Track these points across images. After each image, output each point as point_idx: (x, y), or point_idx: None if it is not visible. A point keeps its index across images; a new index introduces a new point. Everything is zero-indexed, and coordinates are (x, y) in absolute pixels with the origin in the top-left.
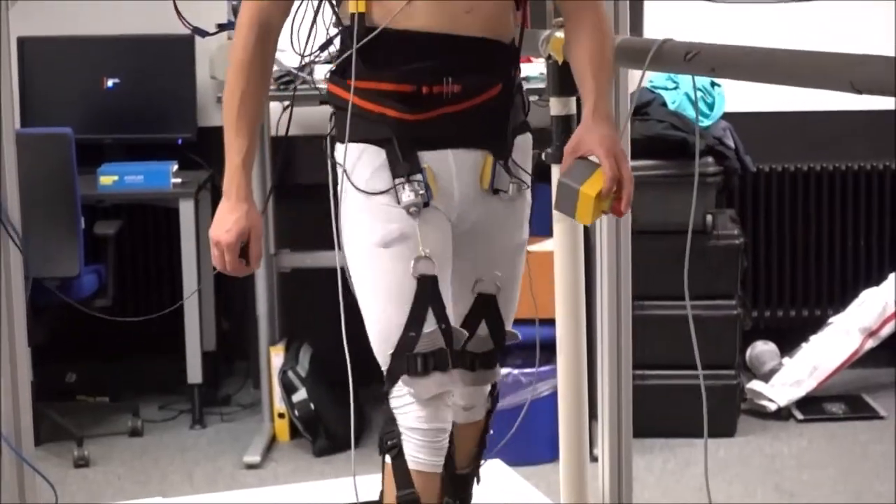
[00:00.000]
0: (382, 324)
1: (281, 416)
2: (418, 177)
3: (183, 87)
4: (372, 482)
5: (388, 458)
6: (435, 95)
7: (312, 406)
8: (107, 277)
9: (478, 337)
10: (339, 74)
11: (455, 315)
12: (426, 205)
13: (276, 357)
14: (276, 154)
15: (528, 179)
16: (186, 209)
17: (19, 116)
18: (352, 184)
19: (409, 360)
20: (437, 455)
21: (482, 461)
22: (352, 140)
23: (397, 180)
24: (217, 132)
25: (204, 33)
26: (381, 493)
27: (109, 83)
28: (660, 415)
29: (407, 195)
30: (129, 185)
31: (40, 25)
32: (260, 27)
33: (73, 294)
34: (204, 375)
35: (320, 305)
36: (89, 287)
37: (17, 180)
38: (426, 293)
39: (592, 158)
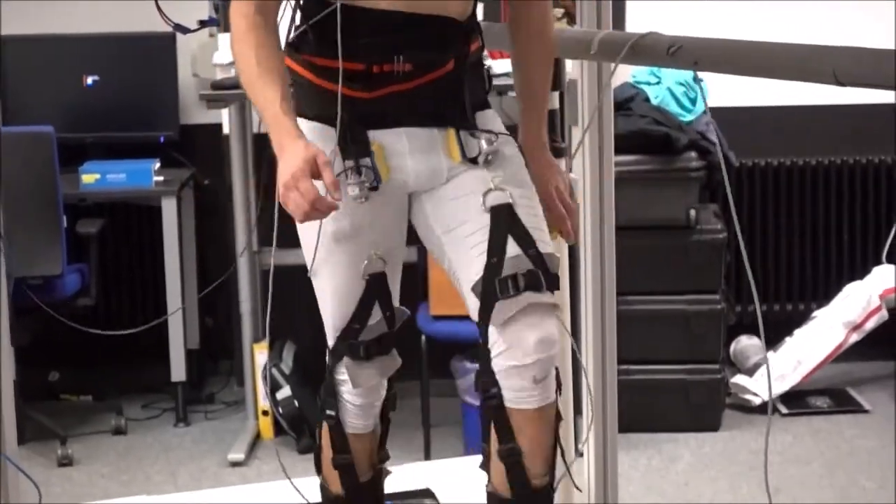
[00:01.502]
0: (331, 312)
1: (265, 413)
2: (367, 161)
3: (165, 84)
4: None
5: (325, 424)
6: (385, 73)
7: (296, 403)
8: (89, 276)
9: (510, 258)
10: (294, 49)
11: (477, 246)
12: (375, 188)
13: (260, 355)
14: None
15: (506, 138)
16: (169, 207)
17: (0, 116)
18: None
19: (352, 346)
20: (371, 419)
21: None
22: (303, 115)
23: (347, 163)
24: (199, 130)
25: (185, 30)
26: (318, 447)
27: (89, 80)
28: (645, 410)
29: (352, 190)
30: (112, 183)
31: (20, 24)
32: (255, 2)
33: (56, 293)
34: (188, 374)
35: (304, 303)
36: (72, 286)
37: None
38: (373, 291)
39: None
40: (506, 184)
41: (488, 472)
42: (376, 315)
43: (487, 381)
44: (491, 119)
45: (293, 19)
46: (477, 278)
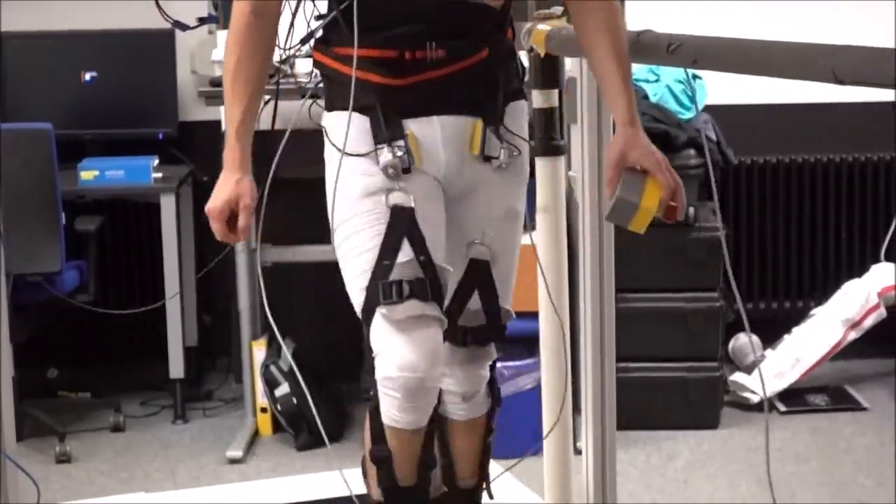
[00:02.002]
0: (356, 262)
1: (263, 410)
2: (400, 142)
3: (163, 81)
4: (354, 476)
5: (367, 414)
6: (418, 61)
7: (295, 401)
8: (88, 273)
9: (469, 310)
10: (323, 42)
11: (449, 286)
12: (408, 171)
13: (259, 352)
14: (262, 149)
15: (523, 147)
16: (167, 204)
17: None
18: (334, 146)
19: (383, 287)
20: (412, 413)
21: (489, 474)
22: (336, 108)
23: (378, 146)
24: (198, 127)
25: (184, 27)
26: (363, 454)
27: (87, 77)
28: (643, 408)
29: (384, 156)
30: (110, 180)
31: (19, 21)
32: (254, 2)
33: (55, 290)
34: (186, 371)
35: (303, 300)
36: (71, 283)
37: None
38: (400, 223)
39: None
40: (501, 224)
41: None
42: (406, 253)
43: (436, 412)
44: (520, 112)
45: (311, 35)
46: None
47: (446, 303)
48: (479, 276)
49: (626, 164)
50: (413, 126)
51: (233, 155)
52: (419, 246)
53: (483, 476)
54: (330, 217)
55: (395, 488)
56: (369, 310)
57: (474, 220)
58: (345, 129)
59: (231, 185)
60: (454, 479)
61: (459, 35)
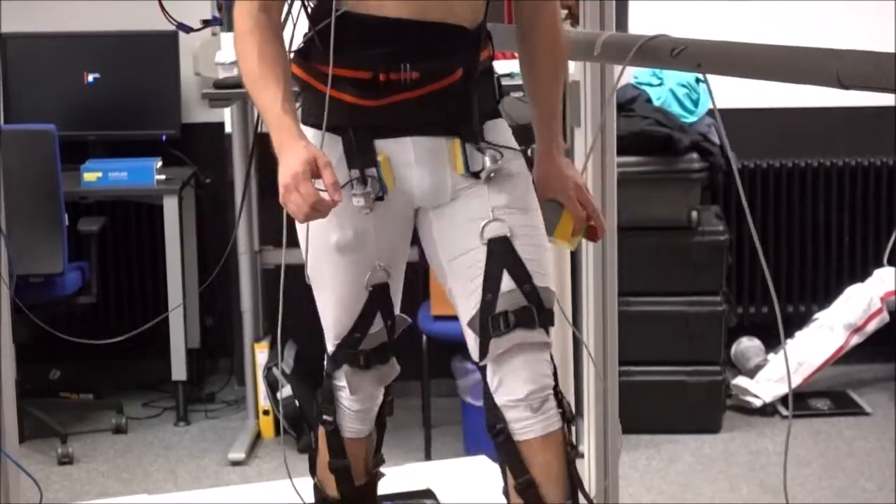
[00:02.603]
0: (331, 320)
1: (265, 412)
2: (372, 171)
3: (167, 83)
4: None
5: (322, 429)
6: (392, 82)
7: (297, 403)
8: (90, 274)
9: (504, 294)
10: (302, 56)
11: (475, 280)
12: (381, 198)
13: (261, 354)
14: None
15: (510, 152)
16: (170, 206)
17: (2, 113)
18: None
19: (352, 356)
20: (368, 423)
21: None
22: (309, 123)
23: (353, 172)
24: (201, 129)
25: (188, 29)
26: (313, 450)
27: (90, 78)
28: (645, 411)
29: (357, 200)
30: (113, 181)
31: (23, 22)
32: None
33: (57, 291)
34: (188, 372)
35: (305, 302)
36: (73, 284)
37: (1, 177)
38: (376, 302)
39: None
40: (507, 211)
41: None
42: (377, 324)
43: (493, 417)
44: (500, 129)
45: (294, 27)
46: (473, 314)
47: (475, 301)
48: (503, 255)
49: (544, 196)
50: (385, 147)
51: (287, 129)
52: (388, 313)
53: (575, 498)
54: (302, 246)
55: (352, 489)
56: (337, 363)
57: (477, 206)
58: (316, 145)
59: (301, 150)
60: None
61: (433, 56)
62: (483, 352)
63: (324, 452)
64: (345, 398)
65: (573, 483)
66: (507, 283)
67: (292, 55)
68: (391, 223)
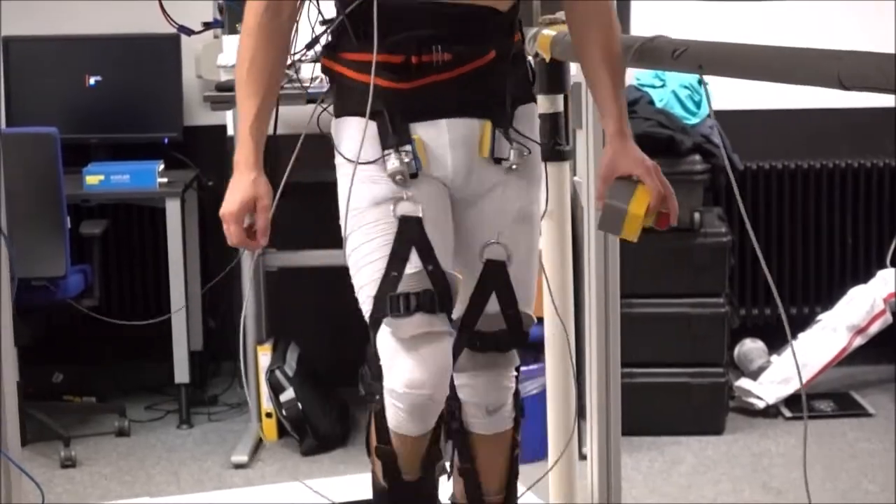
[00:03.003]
0: (365, 270)
1: (268, 415)
2: (407, 147)
3: (169, 86)
4: (358, 481)
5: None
6: (424, 64)
7: (300, 406)
8: (93, 277)
9: (487, 314)
10: (331, 48)
11: (464, 290)
12: (415, 175)
13: (264, 357)
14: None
15: (535, 148)
16: (173, 209)
17: (4, 116)
18: (342, 156)
19: (390, 300)
20: (418, 423)
21: (517, 490)
22: (345, 114)
23: (386, 151)
24: (203, 131)
25: (189, 32)
26: (368, 430)
27: (92, 81)
28: (647, 413)
29: (392, 163)
30: (115, 184)
31: (25, 25)
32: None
33: (60, 294)
34: (191, 375)
35: (308, 305)
36: (75, 287)
37: (2, 180)
38: (408, 234)
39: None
40: (514, 226)
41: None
42: (415, 264)
43: (453, 405)
44: (530, 117)
45: (316, 39)
46: (458, 316)
47: (462, 309)
48: (495, 278)
49: (616, 174)
50: (420, 130)
51: (246, 153)
52: (427, 255)
53: (511, 492)
54: (342, 225)
55: (399, 482)
56: (376, 320)
57: (487, 221)
58: (355, 135)
59: (247, 185)
60: (480, 496)
61: (466, 38)
62: (456, 351)
63: (373, 434)
64: (390, 374)
65: (511, 476)
66: (492, 305)
67: (320, 49)
68: (427, 191)
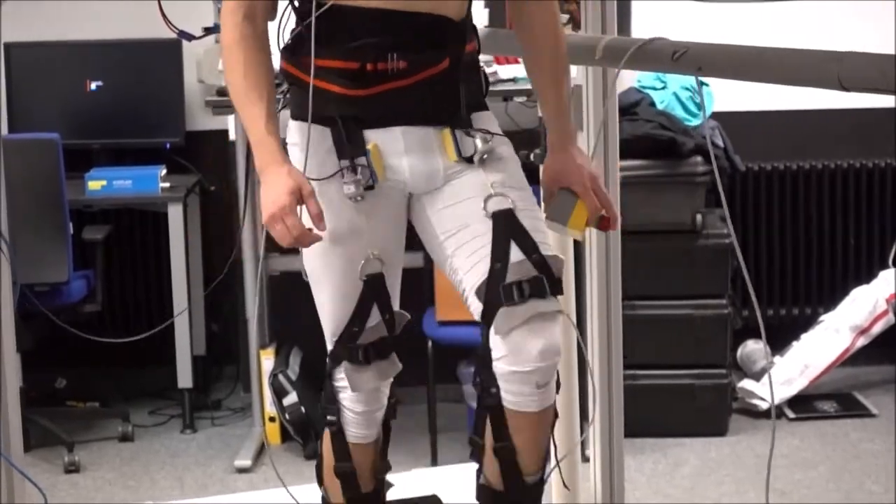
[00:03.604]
0: (329, 315)
1: (272, 419)
2: (362, 160)
3: (170, 91)
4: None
5: (327, 430)
6: (379, 72)
7: (303, 409)
8: (96, 283)
9: (514, 264)
10: (290, 51)
11: (479, 251)
12: (371, 187)
13: (267, 361)
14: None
15: (502, 139)
16: (175, 213)
17: (6, 122)
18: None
19: (350, 350)
20: (373, 428)
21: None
22: (299, 118)
23: (342, 162)
24: (205, 136)
25: (190, 37)
26: (319, 456)
27: (93, 86)
28: (651, 415)
29: (348, 188)
30: (118, 190)
31: (26, 31)
32: (245, 7)
33: (62, 299)
34: (194, 380)
35: (310, 309)
36: (78, 293)
37: (4, 186)
38: (371, 293)
39: None
40: (505, 188)
41: (480, 463)
42: (375, 317)
43: (487, 380)
44: (487, 120)
45: (280, 24)
46: (480, 282)
47: (483, 272)
48: (508, 226)
49: (557, 186)
50: (374, 136)
51: (270, 152)
52: (385, 306)
53: (544, 467)
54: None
55: (358, 497)
56: (336, 360)
57: (475, 183)
58: (307, 141)
59: (284, 178)
60: (520, 475)
61: (421, 46)
62: (489, 319)
63: (329, 456)
64: (347, 399)
65: (548, 453)
66: (515, 253)
67: (280, 52)
68: (384, 213)
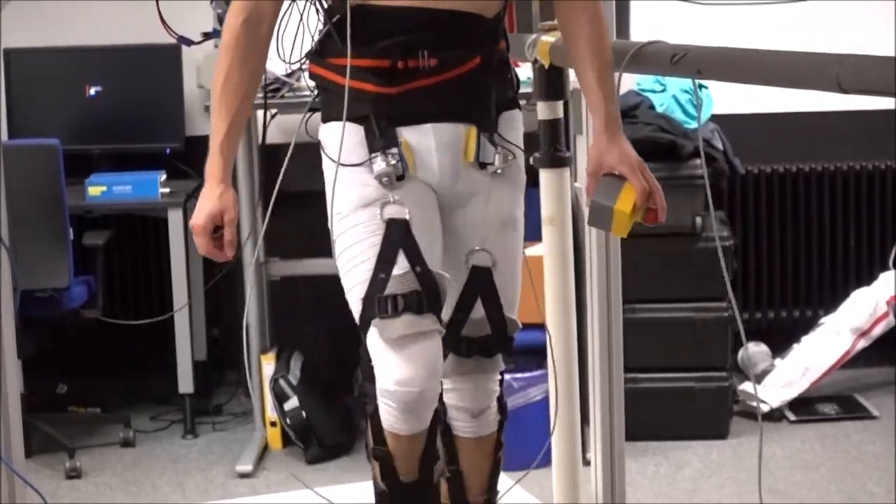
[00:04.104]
0: (355, 272)
1: (273, 424)
2: (394, 150)
3: (170, 96)
4: (364, 488)
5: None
6: (410, 69)
7: (304, 414)
8: (96, 288)
9: (473, 320)
10: (319, 54)
11: (450, 294)
12: (402, 178)
13: (268, 365)
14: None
15: (518, 153)
16: (175, 219)
17: (6, 128)
18: (329, 158)
19: (378, 301)
20: (411, 421)
21: (498, 490)
22: (332, 119)
23: (373, 154)
24: (205, 141)
25: (189, 42)
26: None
27: (92, 91)
28: (652, 418)
29: (379, 165)
30: (118, 195)
31: (25, 37)
32: (249, 11)
33: (63, 305)
34: (195, 385)
35: (311, 313)
36: (79, 298)
37: (4, 192)
38: (395, 236)
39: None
40: (498, 233)
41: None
42: (402, 265)
43: (439, 410)
44: (515, 122)
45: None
46: (444, 320)
47: (449, 313)
48: (481, 283)
49: (602, 170)
50: (407, 134)
51: (215, 167)
52: (415, 256)
53: (493, 492)
54: (330, 228)
55: (397, 483)
56: (366, 321)
57: (472, 227)
58: (339, 138)
59: (214, 199)
60: (464, 496)
61: (451, 44)
62: (443, 356)
63: (370, 436)
64: (381, 375)
65: (494, 477)
66: (478, 309)
67: (306, 57)
68: (414, 193)
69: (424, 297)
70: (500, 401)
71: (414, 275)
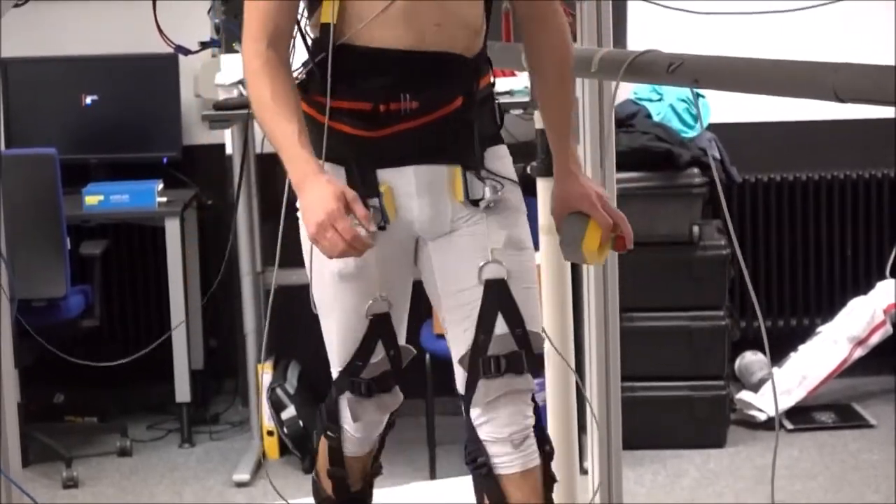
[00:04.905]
0: (335, 347)
1: (270, 433)
2: (375, 202)
3: (168, 105)
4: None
5: (324, 439)
6: (392, 112)
7: (301, 423)
8: (93, 297)
9: (497, 337)
10: (303, 89)
11: (469, 318)
12: (383, 228)
13: (265, 375)
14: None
15: (510, 183)
16: (172, 228)
17: (3, 138)
18: None
19: (353, 383)
20: (369, 446)
21: None
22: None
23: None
24: (202, 150)
25: (186, 51)
26: (315, 451)
27: (89, 100)
28: (649, 426)
29: (360, 230)
30: (115, 204)
31: (23, 47)
32: (268, 34)
33: (60, 315)
34: (192, 394)
35: (308, 323)
36: (76, 307)
37: (1, 202)
38: (377, 331)
39: None
40: (504, 252)
41: None
42: (379, 353)
43: (474, 450)
44: (501, 156)
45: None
46: (465, 352)
47: (468, 342)
48: (498, 297)
49: (566, 210)
50: (387, 176)
51: (306, 164)
52: (390, 342)
53: None
54: (308, 274)
55: (348, 494)
56: (340, 389)
57: (476, 245)
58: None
59: (326, 186)
60: None
61: (433, 86)
62: (470, 389)
63: (324, 459)
64: (347, 423)
65: None
66: (500, 326)
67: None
68: (392, 253)
69: (391, 374)
70: (543, 432)
71: (388, 358)
